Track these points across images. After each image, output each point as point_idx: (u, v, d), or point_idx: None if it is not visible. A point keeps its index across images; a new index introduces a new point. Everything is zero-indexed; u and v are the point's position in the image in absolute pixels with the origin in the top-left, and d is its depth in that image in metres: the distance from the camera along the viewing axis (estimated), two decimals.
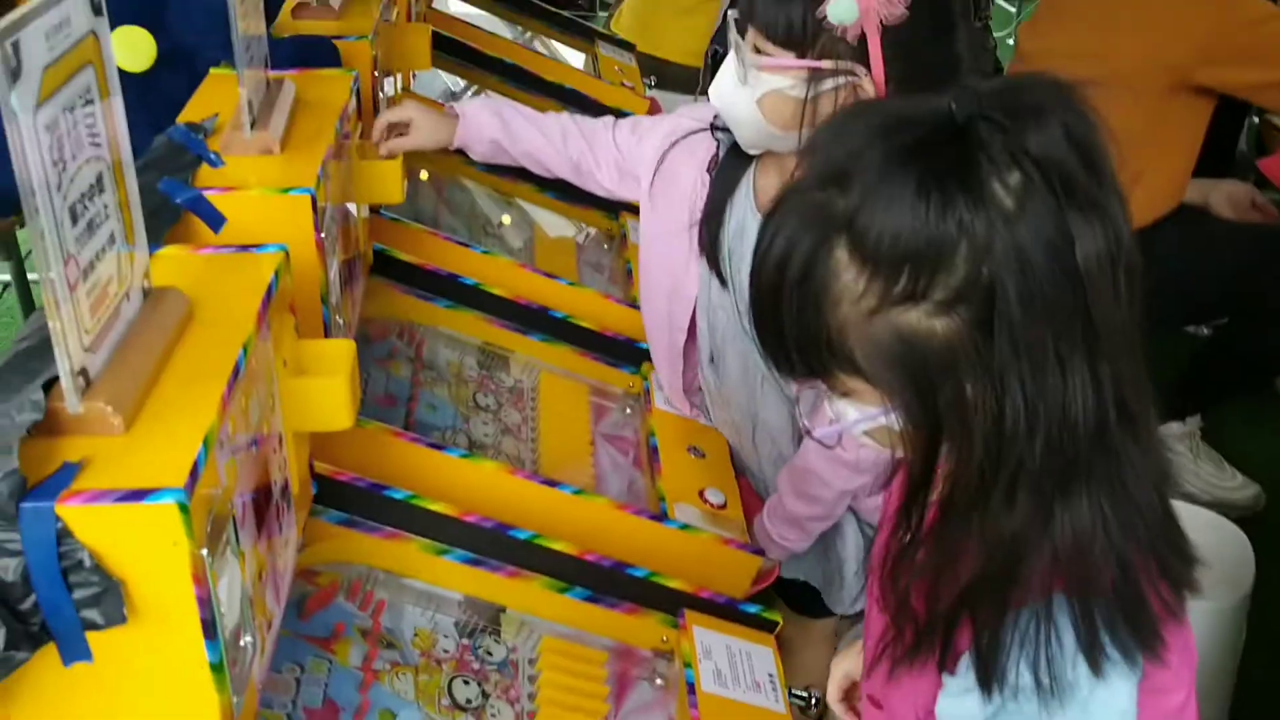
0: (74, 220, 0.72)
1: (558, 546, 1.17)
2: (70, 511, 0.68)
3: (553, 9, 2.90)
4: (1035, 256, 0.71)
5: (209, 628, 0.73)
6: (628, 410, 1.58)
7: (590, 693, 1.12)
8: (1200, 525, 1.87)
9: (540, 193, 1.97)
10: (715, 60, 3.06)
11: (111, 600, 0.70)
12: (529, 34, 2.72)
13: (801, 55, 1.16)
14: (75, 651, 0.72)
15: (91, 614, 0.71)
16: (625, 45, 2.93)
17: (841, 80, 1.17)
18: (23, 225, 2.69)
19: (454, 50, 2.24)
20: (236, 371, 0.81)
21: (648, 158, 1.44)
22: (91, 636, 0.72)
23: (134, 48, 1.33)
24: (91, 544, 0.69)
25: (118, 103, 0.79)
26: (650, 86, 2.92)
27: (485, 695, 1.07)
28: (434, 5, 2.40)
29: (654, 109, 2.54)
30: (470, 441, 1.39)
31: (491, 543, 1.16)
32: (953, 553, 0.79)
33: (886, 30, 1.13)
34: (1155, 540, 0.79)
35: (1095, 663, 0.77)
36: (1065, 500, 0.75)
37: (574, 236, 1.96)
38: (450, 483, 1.20)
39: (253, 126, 1.14)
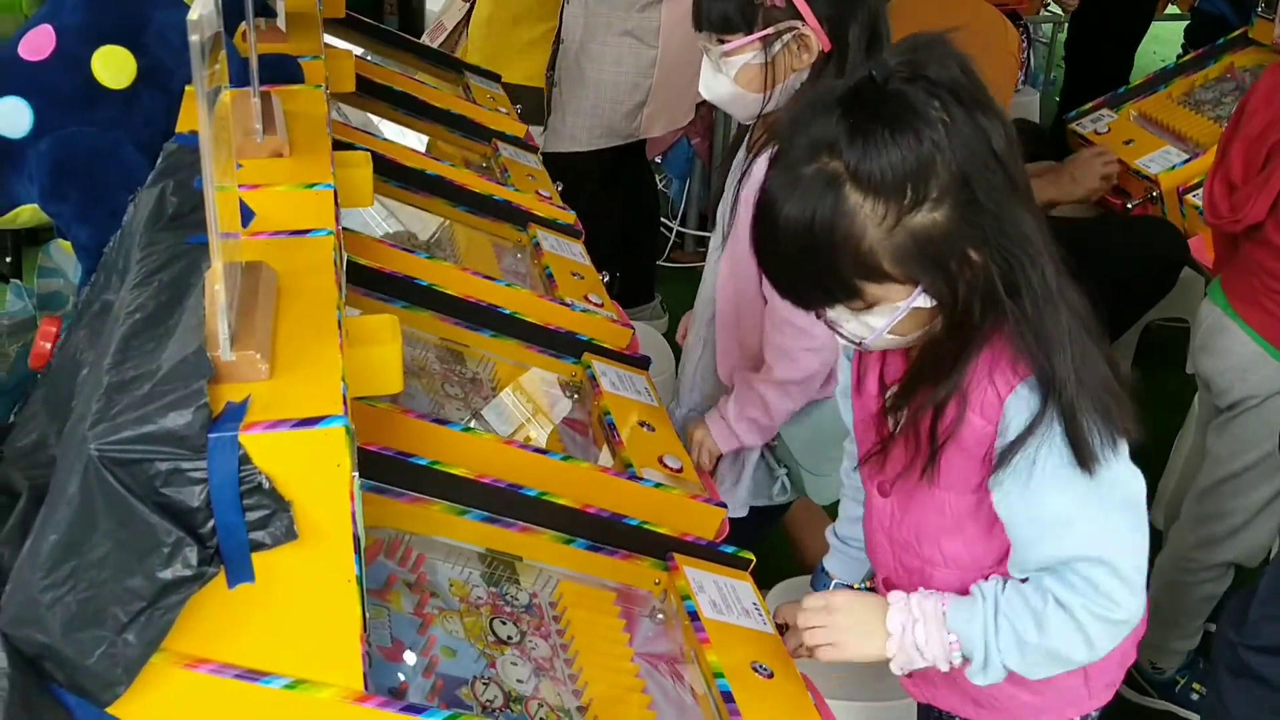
0: None
1: (562, 501, 1.29)
2: (252, 439, 0.77)
3: (417, 41, 3.01)
4: (975, 148, 0.99)
5: (357, 543, 0.83)
6: (575, 397, 1.71)
7: (610, 625, 1.25)
8: None
9: (454, 208, 2.08)
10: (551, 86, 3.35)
11: (281, 521, 0.80)
12: (408, 67, 2.82)
13: (750, 32, 1.47)
14: (241, 573, 0.81)
15: (260, 535, 0.80)
16: (490, 75, 3.06)
17: (787, 37, 1.47)
18: None
19: None
20: (339, 328, 0.92)
21: None
22: (255, 557, 0.81)
23: (116, 66, 1.39)
24: (267, 469, 0.78)
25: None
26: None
27: (522, 633, 1.18)
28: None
29: (529, 133, 2.69)
30: None
31: (504, 501, 1.27)
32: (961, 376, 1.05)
33: None
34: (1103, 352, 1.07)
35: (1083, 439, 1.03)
36: (1054, 313, 1.02)
37: (492, 247, 2.07)
38: (454, 454, 1.31)
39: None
